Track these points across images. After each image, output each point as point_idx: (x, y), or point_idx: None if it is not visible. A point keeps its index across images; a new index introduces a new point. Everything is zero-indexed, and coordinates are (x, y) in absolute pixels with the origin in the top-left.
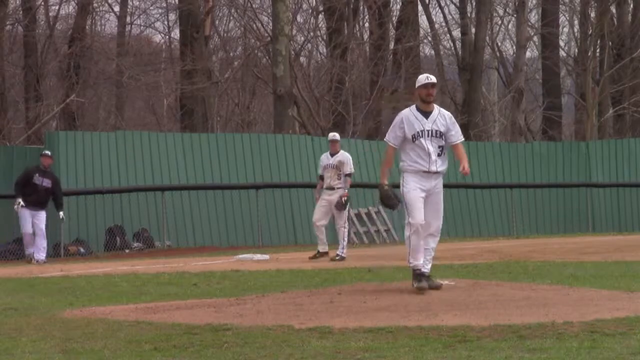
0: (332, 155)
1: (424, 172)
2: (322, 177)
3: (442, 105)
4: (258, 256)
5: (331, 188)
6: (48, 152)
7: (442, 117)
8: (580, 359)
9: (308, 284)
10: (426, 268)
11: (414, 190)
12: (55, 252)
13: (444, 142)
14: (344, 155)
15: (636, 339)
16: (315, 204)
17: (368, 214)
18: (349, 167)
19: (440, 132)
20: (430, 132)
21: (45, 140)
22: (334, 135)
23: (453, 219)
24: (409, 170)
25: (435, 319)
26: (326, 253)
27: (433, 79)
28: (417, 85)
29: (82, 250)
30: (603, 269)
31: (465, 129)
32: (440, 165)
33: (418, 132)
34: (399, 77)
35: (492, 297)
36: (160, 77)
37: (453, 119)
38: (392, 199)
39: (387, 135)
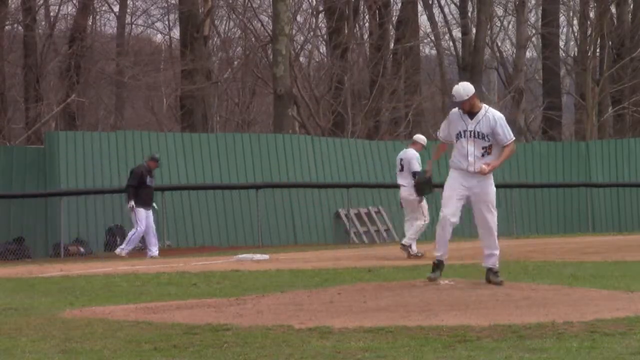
0: None
1: (463, 170)
2: None
3: (441, 105)
4: (258, 256)
5: None
6: (158, 156)
7: (487, 119)
8: (580, 359)
9: (308, 284)
10: (486, 263)
11: (451, 185)
12: (55, 252)
13: (488, 143)
14: None
15: (636, 339)
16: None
17: (368, 214)
18: None
19: (483, 133)
20: (472, 133)
21: (45, 140)
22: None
23: None
24: (452, 167)
25: (435, 319)
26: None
27: (455, 96)
28: None
29: (82, 250)
30: (603, 269)
31: None
32: (479, 167)
33: (460, 132)
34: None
35: (492, 297)
36: (160, 77)
37: (502, 120)
38: (424, 184)
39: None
